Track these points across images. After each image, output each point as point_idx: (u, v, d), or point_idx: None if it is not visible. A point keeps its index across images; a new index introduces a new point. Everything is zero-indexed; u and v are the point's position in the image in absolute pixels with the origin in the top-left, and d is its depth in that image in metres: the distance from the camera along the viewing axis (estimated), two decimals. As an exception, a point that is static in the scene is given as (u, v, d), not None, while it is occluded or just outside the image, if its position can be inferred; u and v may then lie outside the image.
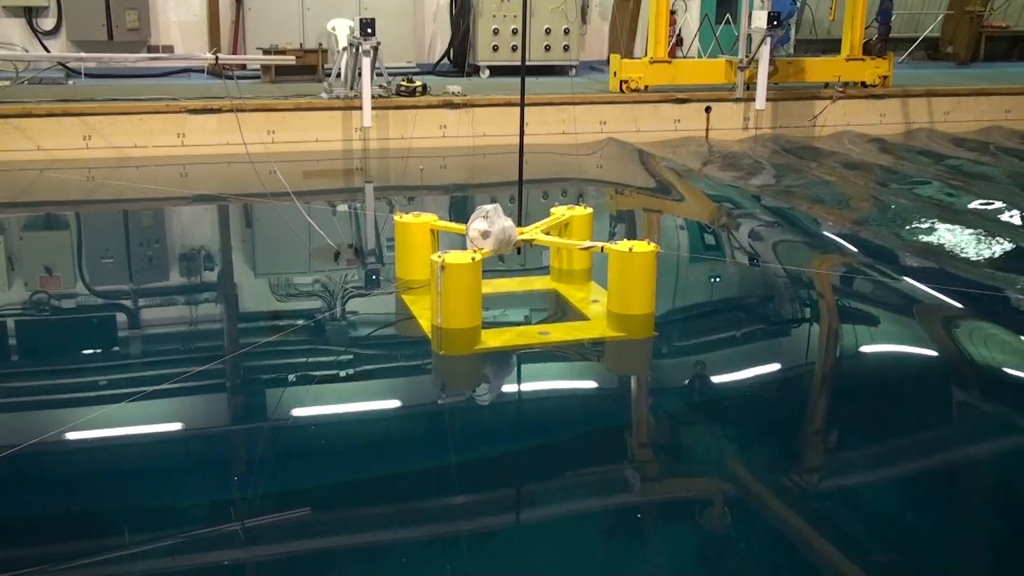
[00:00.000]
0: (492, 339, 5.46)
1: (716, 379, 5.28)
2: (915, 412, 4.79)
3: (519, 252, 6.25)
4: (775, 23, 12.03)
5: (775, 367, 5.51)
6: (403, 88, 11.89)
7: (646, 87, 12.68)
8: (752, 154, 11.45)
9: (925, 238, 7.51)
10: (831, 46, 15.32)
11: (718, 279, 7.06)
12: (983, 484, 4.21)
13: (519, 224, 6.06)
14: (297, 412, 4.80)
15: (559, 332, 5.67)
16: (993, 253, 7.10)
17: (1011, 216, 8.24)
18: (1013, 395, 4.91)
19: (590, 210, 6.66)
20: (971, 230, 7.57)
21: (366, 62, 10.92)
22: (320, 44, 13.19)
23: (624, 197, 10.11)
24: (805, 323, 6.22)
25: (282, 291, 6.96)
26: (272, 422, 4.70)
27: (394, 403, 5.08)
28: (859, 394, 5.04)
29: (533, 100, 10.39)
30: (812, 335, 5.97)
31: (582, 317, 5.82)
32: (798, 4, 16.05)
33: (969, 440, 4.54)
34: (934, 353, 5.57)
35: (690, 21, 15.43)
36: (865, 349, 5.59)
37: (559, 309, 6.09)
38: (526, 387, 5.31)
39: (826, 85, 13.21)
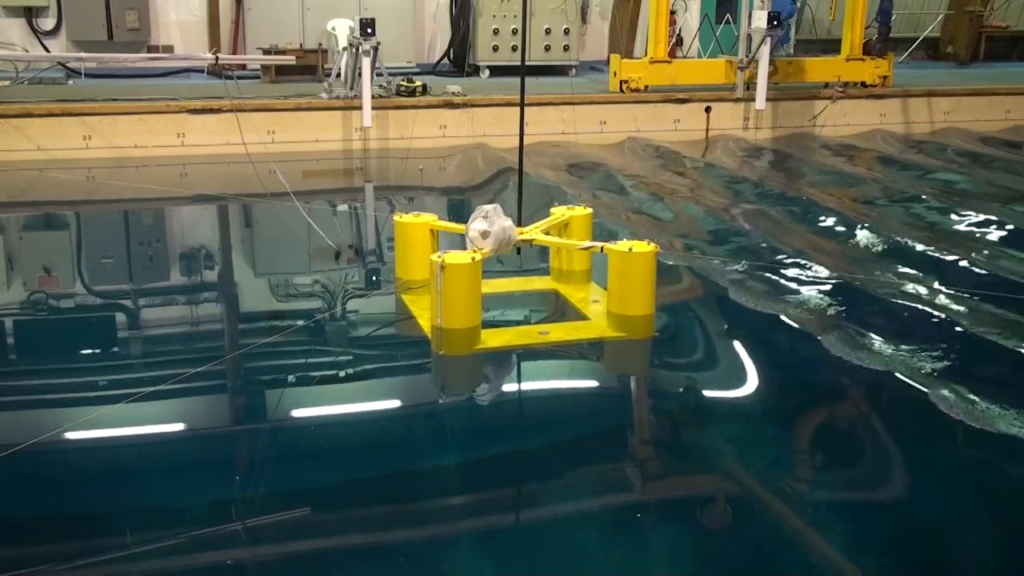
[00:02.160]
0: (492, 339, 5.46)
1: (715, 379, 5.28)
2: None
3: (519, 252, 6.26)
4: (775, 23, 12.03)
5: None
6: (403, 88, 11.89)
7: (646, 87, 12.68)
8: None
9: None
10: (831, 46, 15.32)
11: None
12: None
13: (519, 224, 6.06)
14: (297, 412, 4.81)
15: (559, 332, 5.67)
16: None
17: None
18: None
19: (589, 210, 6.67)
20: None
21: (366, 62, 10.91)
22: (320, 44, 13.18)
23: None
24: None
25: (282, 291, 6.96)
26: (272, 422, 4.70)
27: (394, 403, 5.09)
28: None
29: (533, 100, 10.37)
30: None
31: (582, 317, 5.83)
32: (798, 4, 16.06)
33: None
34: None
35: (690, 21, 15.43)
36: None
37: (559, 309, 6.09)
38: (526, 387, 5.31)
39: (826, 85, 13.21)
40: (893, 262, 6.94)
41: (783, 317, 5.81)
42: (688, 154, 11.43)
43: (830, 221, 8.18)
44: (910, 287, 6.29)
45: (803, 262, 6.87)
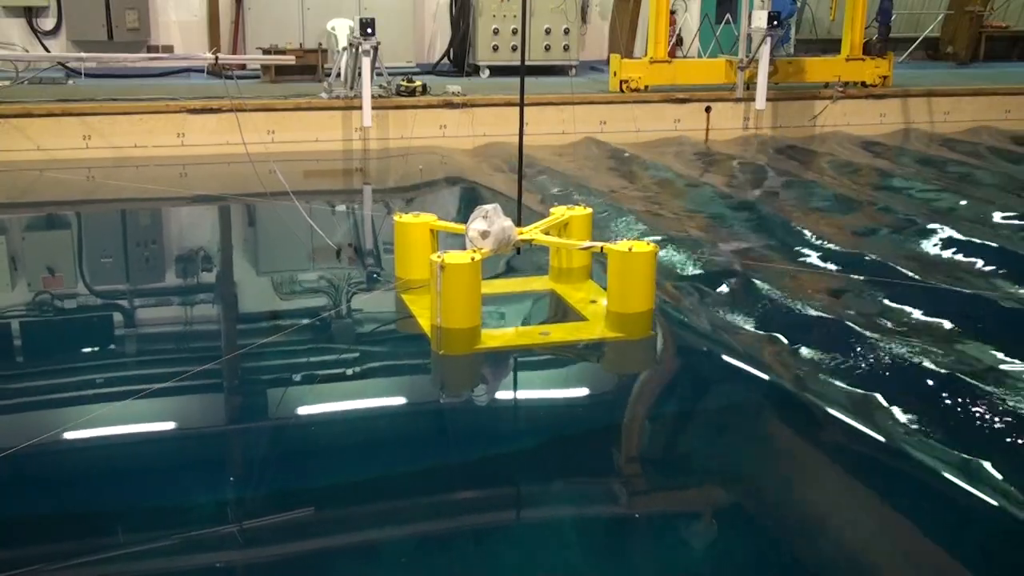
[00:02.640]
0: (492, 339, 5.46)
1: (715, 378, 5.28)
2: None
3: (519, 252, 6.26)
4: (775, 23, 12.04)
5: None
6: (403, 88, 11.89)
7: (646, 87, 12.68)
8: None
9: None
10: (831, 46, 15.33)
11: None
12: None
13: (518, 224, 6.07)
14: (297, 412, 4.81)
15: (558, 332, 5.67)
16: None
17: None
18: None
19: (589, 210, 6.67)
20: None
21: (366, 62, 10.92)
22: (320, 44, 13.18)
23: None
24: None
25: (282, 291, 6.97)
26: (272, 422, 4.71)
27: (394, 403, 5.09)
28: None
29: (533, 100, 10.38)
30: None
31: (581, 317, 5.83)
32: (798, 4, 16.07)
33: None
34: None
35: (690, 21, 15.44)
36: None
37: (558, 309, 6.09)
38: (525, 387, 5.31)
39: (826, 85, 13.21)
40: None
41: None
42: (644, 156, 11.24)
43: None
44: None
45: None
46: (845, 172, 10.50)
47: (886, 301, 6.03)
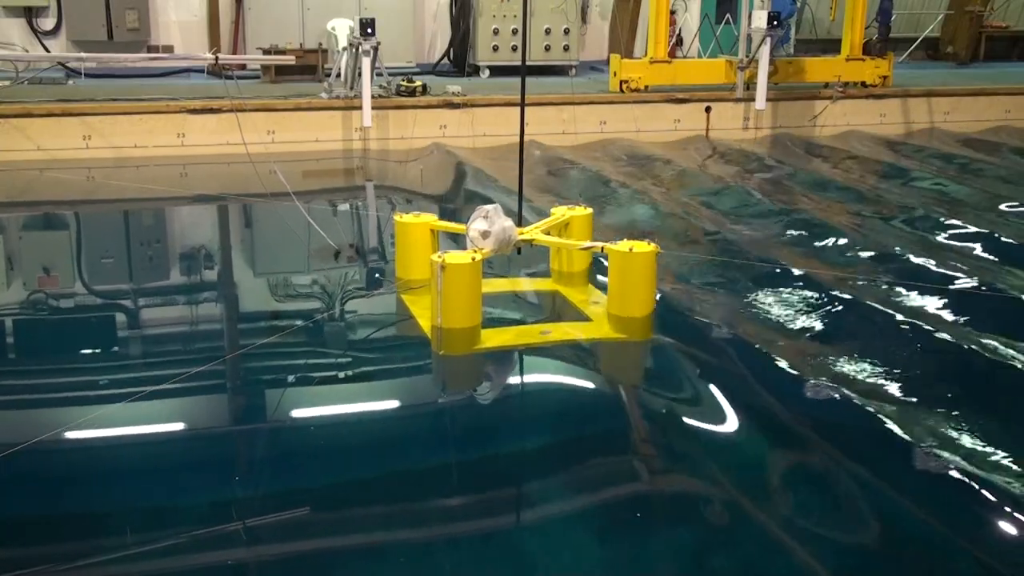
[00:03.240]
0: (492, 339, 5.46)
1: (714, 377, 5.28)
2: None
3: (519, 252, 6.26)
4: (775, 23, 12.03)
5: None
6: (403, 88, 11.89)
7: (646, 87, 12.68)
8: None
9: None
10: (831, 46, 15.33)
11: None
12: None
13: (519, 224, 6.06)
14: (297, 412, 4.81)
15: (559, 332, 5.67)
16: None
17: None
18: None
19: (590, 210, 6.67)
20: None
21: (366, 62, 10.92)
22: (320, 44, 13.18)
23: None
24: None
25: (282, 291, 6.96)
26: (272, 422, 4.70)
27: (394, 403, 5.09)
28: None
29: (533, 100, 10.36)
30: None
31: (583, 317, 5.83)
32: (798, 4, 16.07)
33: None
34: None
35: (690, 21, 15.45)
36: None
37: (559, 309, 6.09)
38: (526, 387, 5.31)
39: (826, 85, 13.21)
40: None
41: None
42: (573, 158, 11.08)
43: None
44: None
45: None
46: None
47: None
